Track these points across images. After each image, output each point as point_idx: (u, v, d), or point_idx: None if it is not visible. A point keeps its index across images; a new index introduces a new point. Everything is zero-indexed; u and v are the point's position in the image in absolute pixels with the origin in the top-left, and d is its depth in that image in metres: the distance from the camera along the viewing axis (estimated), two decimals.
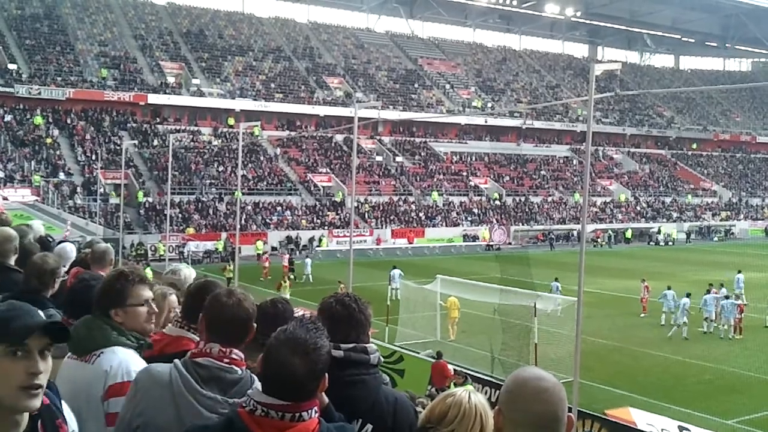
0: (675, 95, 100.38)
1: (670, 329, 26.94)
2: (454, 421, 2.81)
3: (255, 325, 3.14)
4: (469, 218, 63.36)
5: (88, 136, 56.86)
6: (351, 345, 3.05)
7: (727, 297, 27.10)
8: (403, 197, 63.05)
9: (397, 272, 31.80)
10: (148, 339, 3.65)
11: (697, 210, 77.56)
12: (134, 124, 60.52)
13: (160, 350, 3.71)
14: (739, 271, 32.34)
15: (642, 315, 30.19)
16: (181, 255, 46.45)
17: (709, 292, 27.89)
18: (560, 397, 2.33)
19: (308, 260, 41.14)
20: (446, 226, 61.23)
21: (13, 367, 2.22)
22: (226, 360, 2.96)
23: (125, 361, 3.37)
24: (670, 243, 65.59)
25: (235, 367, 2.97)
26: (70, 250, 7.56)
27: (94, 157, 53.19)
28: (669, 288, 28.73)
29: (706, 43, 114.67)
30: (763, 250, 58.74)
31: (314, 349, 2.48)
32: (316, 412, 2.54)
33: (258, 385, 2.81)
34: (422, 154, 72.14)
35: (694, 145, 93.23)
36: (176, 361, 3.01)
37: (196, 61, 70.26)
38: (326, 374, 2.56)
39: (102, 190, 50.38)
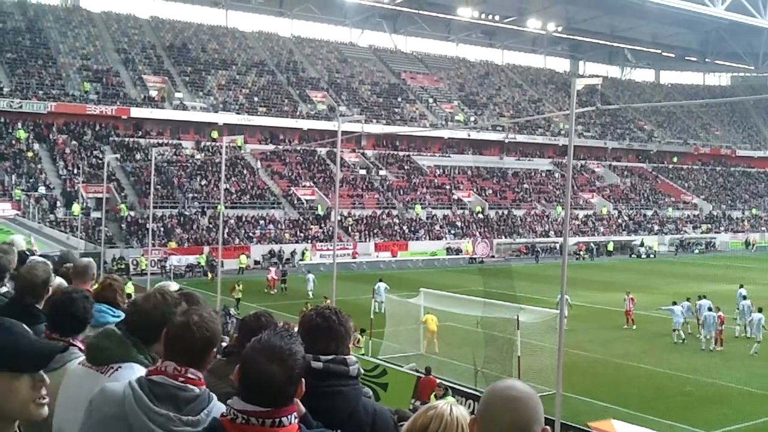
0: (655, 109, 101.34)
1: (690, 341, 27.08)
2: None
3: (216, 347, 3.12)
4: (452, 231, 63.51)
5: (68, 150, 56.56)
6: (330, 356, 3.08)
7: (709, 309, 27.30)
8: (386, 210, 63.13)
9: (382, 285, 31.94)
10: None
11: (678, 223, 78.18)
12: (116, 138, 60.27)
13: None
14: (741, 286, 32.25)
15: (625, 327, 30.34)
16: (163, 269, 46.25)
17: (709, 306, 28.36)
18: (531, 407, 2.29)
19: (310, 276, 38.73)
20: (429, 239, 61.33)
21: (19, 384, 2.39)
22: (181, 379, 2.92)
23: None
24: (652, 256, 66.04)
25: (191, 386, 2.93)
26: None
27: (75, 171, 52.91)
28: (690, 299, 28.94)
29: (686, 57, 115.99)
30: (744, 262, 59.29)
31: (290, 355, 2.53)
32: (295, 418, 2.58)
33: (215, 401, 2.88)
34: (405, 167, 72.32)
35: (675, 159, 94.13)
36: (131, 380, 2.99)
37: (179, 74, 70.17)
38: (303, 379, 2.61)
39: (84, 204, 50.09)
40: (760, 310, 26.96)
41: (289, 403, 2.58)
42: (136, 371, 3.40)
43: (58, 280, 5.44)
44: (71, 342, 4.04)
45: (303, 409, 2.71)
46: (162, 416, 2.84)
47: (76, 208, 49.05)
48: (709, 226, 79.27)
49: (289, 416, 2.56)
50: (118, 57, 69.06)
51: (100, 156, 54.66)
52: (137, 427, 2.85)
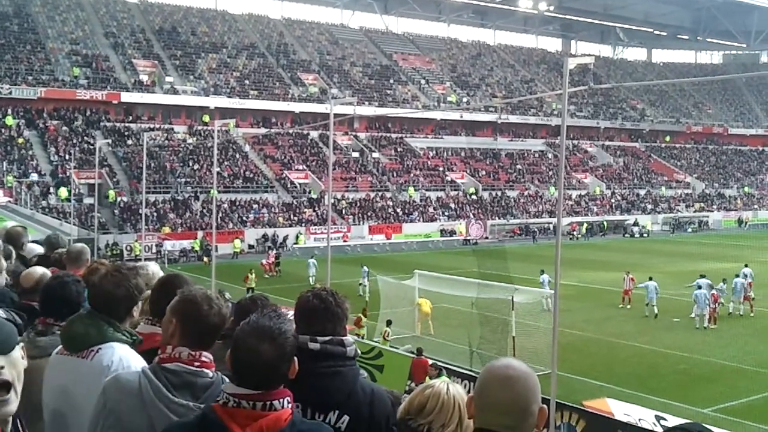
0: (648, 88, 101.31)
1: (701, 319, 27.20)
2: (432, 412, 2.83)
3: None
4: (446, 213, 63.52)
5: (59, 137, 56.25)
6: (327, 337, 3.06)
7: (700, 287, 27.37)
8: (380, 193, 63.07)
9: (364, 269, 32.52)
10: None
11: (671, 202, 78.37)
12: (107, 123, 59.95)
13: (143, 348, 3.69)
14: (746, 265, 32.02)
15: (620, 306, 30.44)
16: (158, 254, 46.17)
17: (725, 281, 29.24)
18: (527, 387, 2.32)
19: (312, 261, 37.48)
20: (423, 221, 61.35)
21: None
22: (196, 363, 2.93)
23: (125, 357, 3.36)
24: (645, 235, 66.24)
25: (206, 370, 2.94)
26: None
27: (67, 157, 52.66)
28: (703, 276, 28.89)
29: (678, 36, 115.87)
30: (738, 240, 59.49)
31: (280, 334, 2.55)
32: (288, 402, 2.57)
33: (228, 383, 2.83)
34: (398, 149, 72.19)
35: (668, 138, 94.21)
36: (145, 368, 2.98)
37: (169, 58, 69.73)
38: (295, 359, 2.62)
39: (77, 190, 49.88)
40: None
41: (282, 384, 2.58)
42: (117, 349, 3.39)
43: (41, 270, 5.38)
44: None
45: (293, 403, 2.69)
46: (182, 407, 2.85)
47: (63, 191, 48.87)
48: (702, 204, 79.48)
49: (281, 400, 2.54)
50: (107, 41, 68.56)
51: (92, 142, 54.37)
52: (156, 417, 2.83)
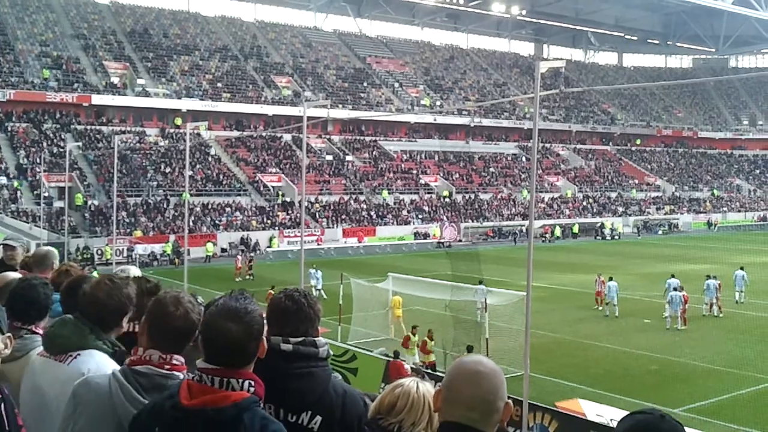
0: (619, 92, 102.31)
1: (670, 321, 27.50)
2: (403, 410, 2.84)
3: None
4: (419, 216, 63.64)
5: (28, 140, 55.53)
6: (300, 339, 3.07)
7: (675, 289, 27.67)
8: (353, 196, 63.03)
9: (313, 271, 32.54)
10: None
11: (642, 204, 79.18)
12: (78, 126, 59.30)
13: None
14: (741, 268, 32.48)
15: (595, 307, 30.63)
16: (129, 258, 45.73)
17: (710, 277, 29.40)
18: (495, 383, 2.38)
19: (316, 272, 33.17)
20: (397, 224, 61.40)
21: None
22: (167, 367, 2.93)
23: (103, 365, 3.34)
24: (616, 237, 66.87)
25: (176, 373, 2.93)
26: None
27: (37, 160, 52.01)
28: (673, 276, 29.36)
29: (648, 40, 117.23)
30: (707, 242, 60.27)
31: (246, 313, 2.60)
32: (251, 386, 2.58)
33: None
34: (372, 152, 72.21)
35: (638, 141, 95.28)
36: (115, 370, 2.97)
37: (141, 60, 69.18)
38: (264, 338, 2.67)
39: (46, 193, 49.28)
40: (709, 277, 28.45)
41: (249, 361, 2.62)
42: (95, 357, 3.37)
43: (12, 275, 5.33)
44: (33, 330, 3.98)
45: (262, 393, 2.67)
46: None
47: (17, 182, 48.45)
48: (672, 207, 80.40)
49: (240, 380, 2.56)
50: (78, 43, 67.86)
51: (62, 145, 53.76)
52: (126, 420, 2.82)
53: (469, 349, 18.80)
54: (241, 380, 2.56)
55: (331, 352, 3.31)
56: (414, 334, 21.02)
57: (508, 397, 2.44)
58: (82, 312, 3.58)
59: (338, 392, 3.06)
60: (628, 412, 2.29)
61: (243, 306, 2.61)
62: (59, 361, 3.40)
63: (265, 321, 2.70)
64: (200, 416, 2.51)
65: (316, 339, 3.11)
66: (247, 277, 40.02)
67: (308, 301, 3.18)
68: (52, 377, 3.37)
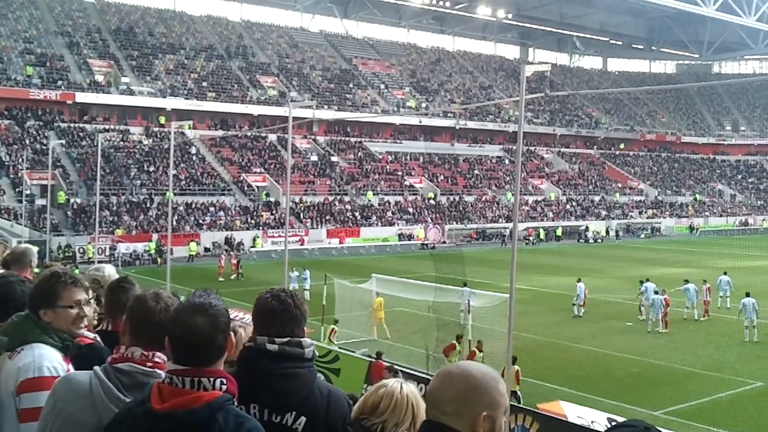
0: (603, 96, 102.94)
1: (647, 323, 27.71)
2: (386, 411, 2.87)
3: None
4: (404, 217, 63.69)
5: (10, 138, 55.09)
6: (286, 339, 3.07)
7: (656, 292, 27.88)
8: (338, 197, 62.98)
9: (294, 275, 32.54)
10: (76, 341, 3.58)
11: (625, 208, 79.65)
12: (62, 124, 58.90)
13: None
14: (725, 273, 32.62)
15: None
16: (111, 257, 45.49)
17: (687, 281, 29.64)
18: (467, 386, 2.34)
19: (298, 275, 33.26)
20: (381, 225, 61.42)
21: None
22: (149, 364, 2.92)
23: (39, 356, 3.34)
24: (599, 240, 67.24)
25: (158, 371, 2.90)
26: None
27: (19, 158, 51.60)
28: (648, 280, 29.59)
29: (633, 45, 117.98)
30: (689, 246, 60.69)
31: (211, 307, 2.60)
32: (223, 384, 2.57)
33: None
34: (357, 153, 72.20)
35: (622, 145, 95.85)
36: (96, 368, 2.94)
37: (125, 59, 68.80)
38: (232, 333, 2.66)
39: (28, 191, 48.91)
40: (747, 295, 26.47)
41: (218, 360, 2.60)
42: (35, 350, 3.38)
43: None
44: None
45: (235, 390, 2.68)
46: None
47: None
48: (655, 211, 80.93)
49: (212, 379, 2.54)
50: (62, 40, 67.39)
51: (45, 142, 53.36)
52: (107, 418, 2.80)
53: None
54: (212, 379, 2.54)
55: (317, 353, 3.32)
56: (459, 343, 19.98)
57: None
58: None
59: (323, 393, 3.06)
60: (612, 424, 2.27)
61: (208, 301, 2.61)
62: (9, 357, 3.42)
63: (229, 315, 2.69)
64: (172, 420, 2.48)
65: (302, 339, 3.11)
66: (233, 276, 39.81)
67: (294, 301, 3.17)
68: (3, 374, 3.39)
